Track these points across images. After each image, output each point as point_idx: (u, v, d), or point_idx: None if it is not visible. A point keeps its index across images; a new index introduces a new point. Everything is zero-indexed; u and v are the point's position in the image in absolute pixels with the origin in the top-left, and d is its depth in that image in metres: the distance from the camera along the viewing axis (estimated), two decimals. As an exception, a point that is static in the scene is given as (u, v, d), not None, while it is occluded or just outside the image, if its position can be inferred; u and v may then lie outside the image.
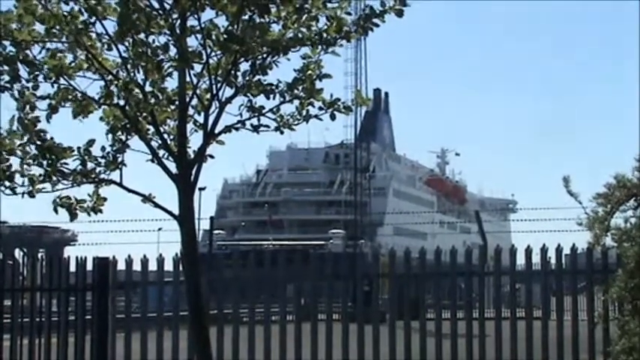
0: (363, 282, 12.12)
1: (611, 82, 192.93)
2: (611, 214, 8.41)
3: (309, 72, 7.90)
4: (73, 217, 7.81)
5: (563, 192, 8.70)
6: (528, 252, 11.26)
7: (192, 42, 7.70)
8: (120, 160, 7.93)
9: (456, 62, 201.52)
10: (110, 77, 7.75)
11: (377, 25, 7.85)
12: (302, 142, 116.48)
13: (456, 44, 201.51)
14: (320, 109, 8.03)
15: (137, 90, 7.75)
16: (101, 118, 7.95)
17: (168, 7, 7.55)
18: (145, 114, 7.84)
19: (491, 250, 11.73)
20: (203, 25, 7.65)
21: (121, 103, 7.81)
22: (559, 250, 11.23)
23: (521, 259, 11.41)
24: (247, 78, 7.83)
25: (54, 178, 7.74)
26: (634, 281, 7.95)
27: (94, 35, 7.66)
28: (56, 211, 7.75)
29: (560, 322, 11.14)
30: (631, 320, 7.97)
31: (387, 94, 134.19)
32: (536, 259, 11.37)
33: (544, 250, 11.25)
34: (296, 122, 8.07)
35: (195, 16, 7.62)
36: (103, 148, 7.89)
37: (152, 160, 7.98)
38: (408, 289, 11.98)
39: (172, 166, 7.94)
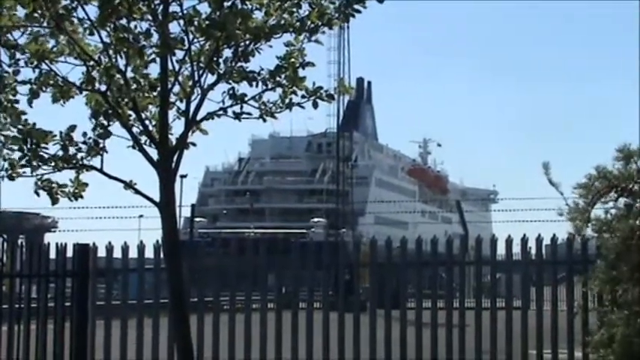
0: (344, 271, 12.12)
1: (594, 73, 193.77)
2: (592, 206, 8.42)
3: (292, 60, 7.89)
4: (54, 201, 7.78)
5: (544, 183, 8.70)
6: (509, 242, 11.28)
7: (174, 28, 7.68)
8: (101, 145, 7.90)
9: (438, 53, 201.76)
10: (92, 62, 7.71)
11: (358, 12, 7.85)
12: (284, 130, 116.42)
13: (439, 35, 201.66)
14: (303, 97, 8.03)
15: (119, 75, 7.72)
16: (85, 103, 7.93)
17: (150, -8, 7.51)
18: (126, 100, 7.81)
19: (472, 240, 11.76)
20: (185, 12, 7.63)
21: (103, 88, 7.77)
22: (539, 240, 11.26)
23: (501, 249, 11.45)
24: (229, 65, 7.82)
25: (34, 163, 7.71)
26: (614, 272, 7.98)
27: (75, 20, 7.62)
28: (37, 194, 7.73)
29: (539, 312, 11.18)
30: (610, 311, 8.00)
31: (369, 83, 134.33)
32: (516, 249, 11.40)
33: (524, 241, 11.28)
34: (278, 110, 8.07)
35: (178, 2, 7.60)
36: (84, 134, 7.86)
37: (133, 147, 7.96)
38: (389, 278, 11.99)
39: (154, 153, 7.92)
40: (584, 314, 10.05)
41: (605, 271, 8.03)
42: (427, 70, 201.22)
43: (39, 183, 7.75)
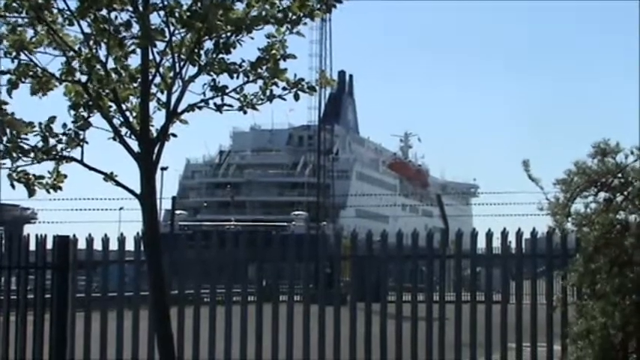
0: (324, 264, 12.12)
1: (583, 67, 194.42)
2: (572, 200, 8.47)
3: (274, 51, 7.87)
4: (31, 193, 7.74)
5: (525, 177, 8.75)
6: (489, 236, 11.32)
7: (155, 19, 7.64)
8: (81, 137, 7.86)
9: (420, 46, 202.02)
10: (72, 53, 7.67)
11: (339, 2, 7.84)
12: (266, 123, 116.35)
13: (420, 28, 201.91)
14: (284, 89, 8.01)
15: (99, 66, 7.68)
16: (64, 94, 7.88)
17: (131, -17, 7.48)
18: (107, 91, 7.78)
19: (453, 234, 11.79)
20: (166, 3, 7.60)
21: (83, 79, 7.73)
22: (519, 234, 11.30)
23: (482, 243, 11.48)
24: (211, 56, 7.79)
25: (14, 154, 7.66)
26: (592, 265, 8.03)
27: (55, 10, 7.57)
28: (13, 186, 7.68)
29: (519, 305, 11.23)
30: (589, 304, 8.05)
31: (351, 76, 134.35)
32: (496, 243, 11.44)
33: (504, 234, 11.32)
34: (259, 102, 8.05)
35: (159, -8, 7.56)
36: (64, 125, 7.82)
37: (114, 138, 7.93)
38: (370, 271, 12.00)
39: (134, 145, 7.89)
40: (563, 308, 10.09)
41: (583, 264, 8.08)
42: (409, 64, 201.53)
43: (14, 175, 7.70)
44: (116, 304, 11.61)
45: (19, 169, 7.73)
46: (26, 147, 7.69)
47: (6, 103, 7.65)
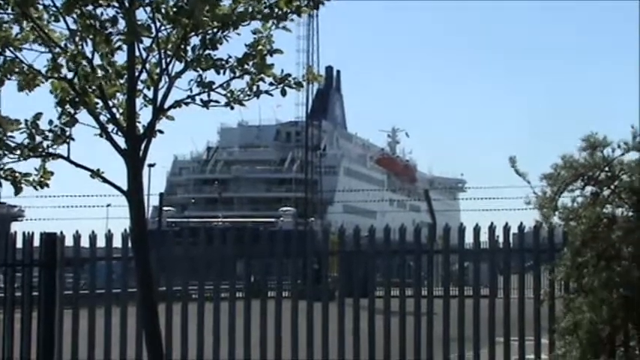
0: (312, 260, 12.12)
1: (569, 63, 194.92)
2: (559, 194, 8.49)
3: (260, 47, 7.86)
4: (18, 190, 7.71)
5: (512, 171, 8.77)
6: (476, 231, 11.34)
7: (141, 15, 7.62)
8: (68, 133, 7.83)
9: (407, 41, 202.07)
10: (58, 49, 7.64)
11: (328, -1, 7.84)
12: (253, 119, 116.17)
13: (408, 24, 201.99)
14: (271, 84, 7.99)
15: (85, 63, 7.65)
16: (50, 91, 7.85)
17: (117, -22, 7.45)
18: (93, 87, 7.75)
19: (440, 229, 11.80)
20: (153, -2, 7.57)
21: (69, 75, 7.70)
22: (507, 228, 11.32)
23: (469, 238, 11.49)
24: (197, 52, 7.78)
25: (0, 152, 7.63)
26: (579, 259, 8.05)
27: (40, 6, 7.54)
28: (-1, 184, 7.65)
29: (507, 300, 11.26)
30: (576, 298, 8.08)
31: (338, 72, 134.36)
32: (484, 237, 11.46)
33: (492, 229, 11.34)
34: (246, 98, 8.03)
35: (145, -12, 7.53)
36: (50, 122, 7.80)
37: (101, 135, 7.91)
38: (358, 267, 12.01)
39: (121, 141, 7.86)
40: (550, 302, 10.12)
41: (571, 258, 8.10)
42: (397, 60, 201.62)
43: (1, 173, 7.67)
44: (104, 301, 11.59)
45: (6, 166, 7.69)
46: (12, 144, 7.66)
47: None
